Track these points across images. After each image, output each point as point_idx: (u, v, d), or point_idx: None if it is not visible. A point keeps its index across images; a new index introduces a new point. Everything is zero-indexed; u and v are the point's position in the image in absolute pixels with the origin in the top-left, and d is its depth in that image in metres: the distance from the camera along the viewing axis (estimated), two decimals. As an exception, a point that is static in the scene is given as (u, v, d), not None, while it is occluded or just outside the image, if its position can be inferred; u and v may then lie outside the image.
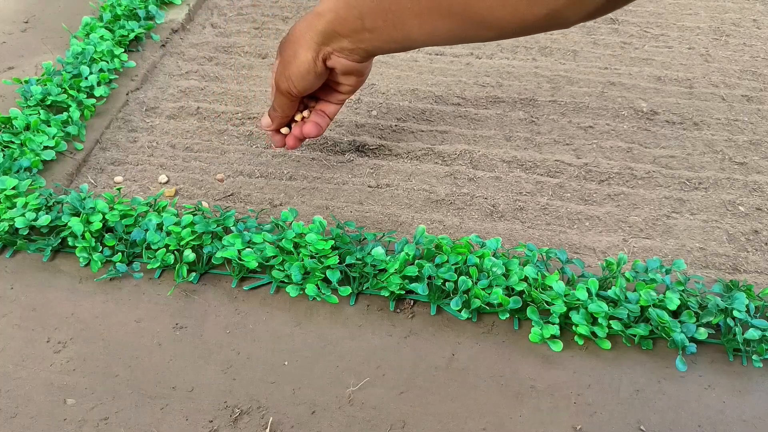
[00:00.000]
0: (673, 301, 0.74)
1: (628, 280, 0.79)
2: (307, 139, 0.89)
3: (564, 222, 0.91)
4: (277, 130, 0.85)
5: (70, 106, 1.07)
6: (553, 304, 0.76)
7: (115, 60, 1.16)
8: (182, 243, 0.83)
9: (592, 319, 0.76)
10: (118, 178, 0.99)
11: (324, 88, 0.78)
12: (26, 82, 1.09)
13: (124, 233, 0.86)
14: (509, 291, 0.78)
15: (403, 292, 0.80)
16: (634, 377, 0.73)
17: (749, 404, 0.71)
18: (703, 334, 0.74)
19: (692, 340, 0.75)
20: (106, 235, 0.86)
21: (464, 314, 0.78)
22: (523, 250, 0.84)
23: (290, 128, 0.86)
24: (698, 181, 0.97)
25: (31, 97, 1.06)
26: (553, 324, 0.76)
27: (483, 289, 0.78)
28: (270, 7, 1.40)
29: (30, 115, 1.04)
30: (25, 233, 0.86)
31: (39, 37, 1.31)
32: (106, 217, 0.86)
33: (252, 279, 0.84)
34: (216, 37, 1.31)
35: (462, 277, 0.78)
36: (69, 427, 0.69)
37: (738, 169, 0.99)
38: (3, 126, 1.02)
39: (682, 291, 0.78)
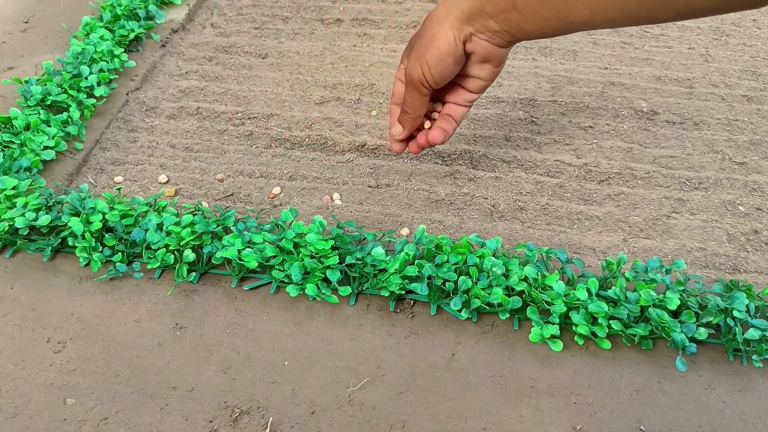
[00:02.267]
0: (673, 301, 0.74)
1: (628, 280, 0.79)
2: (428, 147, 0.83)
3: (564, 222, 0.91)
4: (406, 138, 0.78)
5: (70, 106, 1.07)
6: (553, 304, 0.76)
7: (115, 60, 1.16)
8: (182, 243, 0.83)
9: (592, 319, 0.76)
10: (118, 178, 0.99)
11: (451, 87, 0.74)
12: (26, 82, 1.09)
13: (124, 233, 0.86)
14: (509, 291, 0.78)
15: (403, 292, 0.80)
16: (634, 377, 0.73)
17: (749, 404, 0.71)
18: (703, 334, 0.74)
19: (692, 340, 0.75)
20: (106, 235, 0.86)
21: (464, 314, 0.78)
22: (523, 250, 0.84)
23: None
24: (698, 181, 0.97)
25: (31, 97, 1.06)
26: (553, 324, 0.76)
27: (483, 289, 0.78)
28: (270, 7, 1.40)
29: (30, 115, 1.04)
30: (25, 233, 0.86)
31: (39, 37, 1.31)
32: (106, 217, 0.86)
33: (252, 279, 0.84)
34: (216, 37, 1.31)
35: (462, 277, 0.78)
36: (69, 427, 0.69)
37: (738, 169, 0.99)
38: (3, 126, 1.02)
39: (682, 291, 0.78)
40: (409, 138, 0.81)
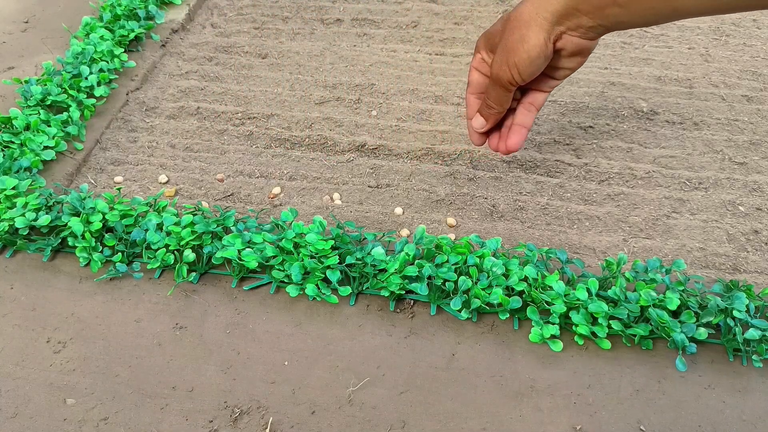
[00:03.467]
0: (673, 301, 0.74)
1: (628, 280, 0.79)
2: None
3: (564, 222, 0.91)
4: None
5: (70, 106, 1.07)
6: (553, 304, 0.76)
7: (115, 60, 1.16)
8: (182, 243, 0.83)
9: (592, 319, 0.76)
10: (118, 178, 0.99)
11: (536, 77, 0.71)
12: (26, 82, 1.09)
13: (124, 233, 0.86)
14: (509, 291, 0.78)
15: (403, 292, 0.80)
16: (634, 377, 0.73)
17: (749, 404, 0.71)
18: (703, 334, 0.74)
19: (692, 340, 0.75)
20: (106, 235, 0.86)
21: (464, 314, 0.78)
22: (523, 250, 0.84)
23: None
24: (698, 181, 0.97)
25: (31, 97, 1.06)
26: (553, 324, 0.76)
27: (483, 289, 0.78)
28: (270, 7, 1.40)
29: (30, 115, 1.04)
30: (25, 233, 0.86)
31: (39, 37, 1.31)
32: (106, 217, 0.86)
33: (252, 279, 0.84)
34: (216, 37, 1.31)
35: (462, 277, 0.78)
36: (69, 427, 0.69)
37: (738, 169, 0.99)
38: (3, 126, 1.02)
39: (682, 291, 0.78)
40: (490, 129, 0.79)
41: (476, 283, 0.78)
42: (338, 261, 0.81)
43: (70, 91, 1.08)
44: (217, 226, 0.85)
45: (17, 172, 0.94)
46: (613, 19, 0.60)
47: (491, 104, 0.72)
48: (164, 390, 0.72)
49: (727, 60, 1.22)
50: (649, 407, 0.71)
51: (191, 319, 0.79)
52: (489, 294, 0.77)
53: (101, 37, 1.20)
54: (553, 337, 0.76)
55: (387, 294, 0.80)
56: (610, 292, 0.77)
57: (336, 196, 0.95)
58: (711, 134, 1.05)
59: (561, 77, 0.71)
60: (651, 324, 0.75)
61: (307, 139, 1.05)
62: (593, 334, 0.75)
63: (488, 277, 0.79)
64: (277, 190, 0.96)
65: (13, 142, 0.99)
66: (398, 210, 0.93)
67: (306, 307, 0.81)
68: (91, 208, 0.86)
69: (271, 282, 0.83)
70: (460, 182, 0.97)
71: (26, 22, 1.36)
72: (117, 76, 1.17)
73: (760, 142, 1.03)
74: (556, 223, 0.91)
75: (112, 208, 0.88)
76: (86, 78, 1.11)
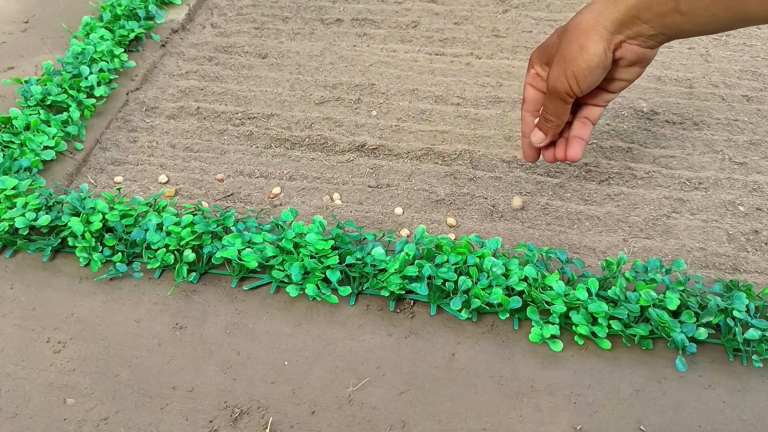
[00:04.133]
0: (673, 301, 0.74)
1: (628, 280, 0.79)
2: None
3: (564, 222, 0.91)
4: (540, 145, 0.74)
5: (70, 106, 1.07)
6: (553, 304, 0.76)
7: (115, 60, 1.16)
8: (182, 243, 0.83)
9: (592, 319, 0.76)
10: (118, 178, 0.99)
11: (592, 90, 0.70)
12: (26, 82, 1.09)
13: (124, 233, 0.86)
14: (509, 291, 0.78)
15: (403, 292, 0.80)
16: (633, 377, 0.73)
17: (749, 404, 0.71)
18: (703, 334, 0.74)
19: (692, 340, 0.75)
20: (106, 235, 0.86)
21: (464, 314, 0.78)
22: (523, 250, 0.84)
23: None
24: (698, 181, 0.97)
25: (31, 97, 1.06)
26: (553, 324, 0.76)
27: (483, 289, 0.78)
28: (270, 7, 1.40)
29: (30, 115, 1.04)
30: (25, 233, 0.86)
31: (39, 37, 1.31)
32: (106, 217, 0.86)
33: (252, 279, 0.84)
34: (216, 37, 1.31)
35: (462, 277, 0.78)
36: (69, 427, 0.69)
37: (738, 169, 0.99)
38: (3, 126, 1.02)
39: (682, 291, 0.78)
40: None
41: (476, 283, 0.78)
42: (338, 261, 0.81)
43: (70, 91, 1.08)
44: (217, 226, 0.85)
45: (17, 172, 0.94)
46: (675, 28, 0.59)
47: (549, 117, 0.71)
48: (164, 390, 0.72)
49: (727, 60, 1.22)
50: (649, 407, 0.71)
51: (191, 319, 0.79)
52: (489, 294, 0.77)
53: (101, 37, 1.20)
54: (553, 337, 0.76)
55: (387, 294, 0.80)
56: (610, 292, 0.77)
57: (336, 196, 0.95)
58: (711, 134, 1.05)
59: (617, 90, 0.70)
60: (651, 324, 0.75)
61: (307, 139, 1.05)
62: (593, 334, 0.75)
63: (488, 277, 0.79)
64: (277, 190, 0.96)
65: (13, 142, 0.99)
66: (398, 210, 0.93)
67: (306, 307, 0.81)
68: (91, 208, 0.86)
69: (271, 282, 0.83)
70: (460, 182, 0.97)
71: (26, 22, 1.36)
72: (117, 76, 1.17)
73: (760, 142, 1.03)
74: (556, 223, 0.91)
75: (112, 208, 0.88)
76: (86, 78, 1.11)
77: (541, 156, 0.75)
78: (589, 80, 0.64)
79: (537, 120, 0.72)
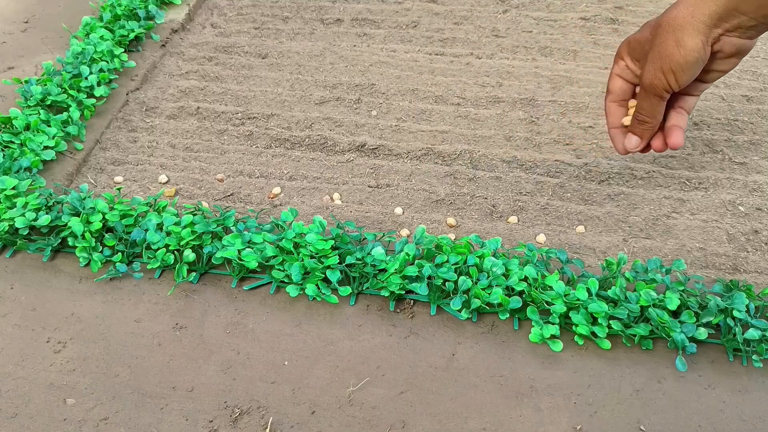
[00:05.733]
0: (673, 301, 0.74)
1: (628, 280, 0.79)
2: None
3: (564, 222, 0.91)
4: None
5: (70, 106, 1.07)
6: (553, 304, 0.76)
7: (115, 60, 1.16)
8: (182, 243, 0.83)
9: (592, 319, 0.76)
10: (118, 178, 0.99)
11: None
12: (26, 82, 1.09)
13: (124, 233, 0.86)
14: (509, 291, 0.78)
15: (403, 292, 0.80)
16: (634, 377, 0.73)
17: (749, 404, 0.71)
18: (703, 334, 0.74)
19: (692, 340, 0.75)
20: (106, 235, 0.86)
21: (464, 314, 0.78)
22: (523, 250, 0.84)
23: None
24: (698, 181, 0.97)
25: (31, 97, 1.06)
26: (553, 324, 0.76)
27: (483, 289, 0.78)
28: (270, 7, 1.40)
29: (30, 115, 1.04)
30: (25, 233, 0.86)
31: (39, 37, 1.31)
32: (106, 217, 0.86)
33: (252, 279, 0.84)
34: (216, 37, 1.31)
35: (462, 277, 0.78)
36: (69, 427, 0.69)
37: (738, 169, 0.99)
38: (3, 126, 1.02)
39: (682, 291, 0.78)
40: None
41: (476, 283, 0.78)
42: (338, 261, 0.81)
43: (70, 91, 1.08)
44: (217, 226, 0.85)
45: (17, 172, 0.94)
46: None
47: (644, 119, 0.69)
48: (164, 390, 0.72)
49: (727, 60, 1.22)
50: (649, 407, 0.71)
51: (191, 319, 0.79)
52: (489, 294, 0.77)
53: (101, 37, 1.20)
54: (553, 337, 0.76)
55: (387, 294, 0.80)
56: (610, 292, 0.77)
57: (336, 196, 0.95)
58: (711, 134, 1.05)
59: (712, 80, 0.69)
60: (651, 324, 0.75)
61: (307, 139, 1.05)
62: (593, 334, 0.75)
63: (488, 277, 0.79)
64: (277, 190, 0.96)
65: (13, 142, 0.99)
66: (398, 210, 0.93)
67: (306, 307, 0.81)
68: (91, 208, 0.86)
69: (271, 282, 0.83)
70: (460, 182, 0.97)
71: (26, 22, 1.36)
72: (117, 76, 1.17)
73: (760, 142, 1.03)
74: (556, 223, 0.91)
75: (112, 208, 0.88)
76: (86, 78, 1.11)
77: (628, 146, 0.72)
78: (688, 75, 0.63)
79: (629, 124, 0.70)
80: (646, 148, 0.72)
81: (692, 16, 0.60)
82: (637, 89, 0.69)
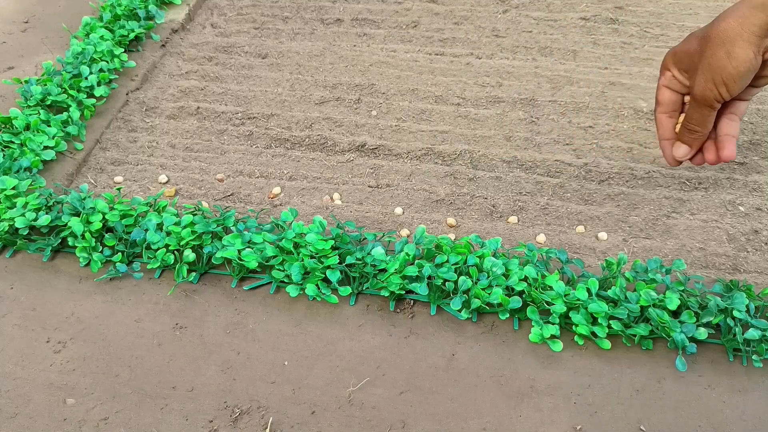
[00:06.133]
0: (673, 301, 0.74)
1: (628, 280, 0.79)
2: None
3: (564, 222, 0.91)
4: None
5: (70, 106, 1.07)
6: (553, 304, 0.76)
7: (115, 60, 1.16)
8: (182, 243, 0.83)
9: (592, 319, 0.76)
10: (118, 178, 0.99)
11: None
12: (26, 82, 1.09)
13: (124, 233, 0.86)
14: (509, 291, 0.78)
15: (403, 292, 0.80)
16: (634, 377, 0.73)
17: (749, 404, 0.71)
18: (703, 334, 0.74)
19: (692, 340, 0.75)
20: (106, 235, 0.86)
21: (464, 314, 0.78)
22: (523, 250, 0.84)
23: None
24: (698, 181, 0.97)
25: (31, 97, 1.06)
26: (553, 324, 0.76)
27: (483, 289, 0.78)
28: (270, 7, 1.40)
29: (30, 115, 1.04)
30: (25, 233, 0.86)
31: (39, 37, 1.31)
32: (106, 217, 0.86)
33: (252, 279, 0.84)
34: (216, 37, 1.31)
35: (462, 277, 0.78)
36: (69, 427, 0.69)
37: (738, 169, 0.99)
38: (3, 126, 1.02)
39: (682, 291, 0.78)
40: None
41: (476, 283, 0.78)
42: (338, 261, 0.81)
43: (70, 91, 1.08)
44: (217, 226, 0.85)
45: (17, 172, 0.94)
46: None
47: (694, 128, 0.70)
48: (164, 390, 0.72)
49: (727, 60, 1.22)
50: (649, 407, 0.71)
51: (191, 319, 0.79)
52: (489, 294, 0.77)
53: (101, 37, 1.20)
54: (553, 337, 0.76)
55: (387, 294, 0.80)
56: (610, 292, 0.77)
57: (336, 196, 0.95)
58: (711, 134, 1.05)
59: (762, 85, 0.69)
60: (651, 324, 0.75)
61: (307, 139, 1.05)
62: (593, 334, 0.75)
63: (488, 277, 0.79)
64: (277, 190, 0.96)
65: (13, 142, 0.99)
66: (398, 210, 0.93)
67: (306, 307, 0.81)
68: (91, 208, 0.86)
69: (271, 282, 0.83)
70: (460, 182, 0.97)
71: (26, 22, 1.36)
72: (117, 76, 1.17)
73: (760, 142, 1.03)
74: (556, 223, 0.91)
75: (112, 208, 0.88)
76: (86, 78, 1.11)
77: (680, 158, 0.72)
78: (739, 85, 0.64)
79: (679, 133, 0.70)
80: (697, 158, 0.72)
81: (742, 28, 0.61)
82: (686, 99, 0.70)
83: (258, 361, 0.75)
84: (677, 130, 0.71)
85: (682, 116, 0.72)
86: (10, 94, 1.14)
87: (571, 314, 0.75)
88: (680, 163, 0.72)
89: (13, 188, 0.89)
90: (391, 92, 1.14)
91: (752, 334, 0.73)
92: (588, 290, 0.77)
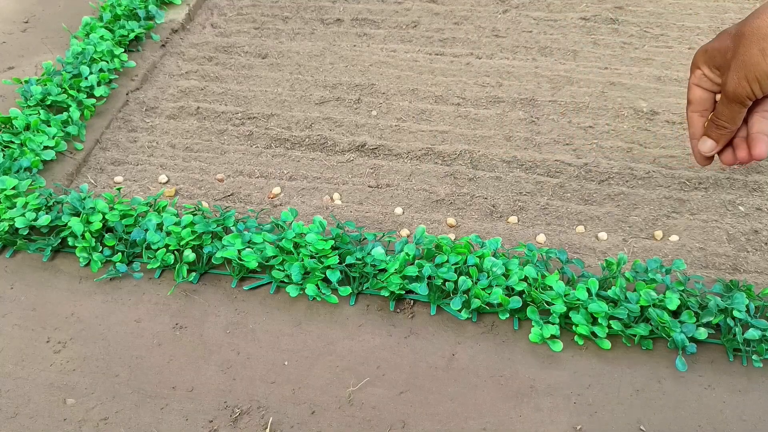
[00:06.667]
0: (673, 301, 0.74)
1: (628, 280, 0.79)
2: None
3: (564, 222, 0.91)
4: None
5: (70, 106, 1.07)
6: (553, 304, 0.76)
7: (115, 60, 1.16)
8: (182, 243, 0.83)
9: (592, 319, 0.76)
10: (118, 178, 0.99)
11: None
12: (26, 82, 1.09)
13: (124, 233, 0.86)
14: (509, 291, 0.78)
15: (403, 292, 0.80)
16: (634, 377, 0.73)
17: (749, 404, 0.71)
18: (703, 334, 0.74)
19: (692, 340, 0.75)
20: (106, 235, 0.86)
21: (464, 314, 0.78)
22: (523, 250, 0.84)
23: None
24: (698, 181, 0.97)
25: (31, 97, 1.06)
26: (553, 324, 0.76)
27: (483, 289, 0.78)
28: (270, 7, 1.40)
29: (30, 115, 1.04)
30: (25, 233, 0.86)
31: (39, 37, 1.31)
32: (106, 217, 0.86)
33: (252, 279, 0.84)
34: (216, 37, 1.31)
35: (462, 277, 0.78)
36: (69, 427, 0.69)
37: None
38: (3, 126, 1.02)
39: (682, 291, 0.78)
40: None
41: (476, 283, 0.78)
42: (338, 261, 0.81)
43: (70, 91, 1.08)
44: (217, 226, 0.85)
45: (17, 172, 0.94)
46: None
47: (723, 124, 0.70)
48: (164, 390, 0.72)
49: (727, 60, 1.22)
50: (649, 407, 0.71)
51: (191, 319, 0.79)
52: (489, 294, 0.77)
53: (101, 37, 1.20)
54: (553, 337, 0.76)
55: (387, 294, 0.80)
56: (610, 292, 0.77)
57: (336, 196, 0.95)
58: (711, 134, 1.05)
59: None
60: (651, 324, 0.75)
61: (307, 139, 1.05)
62: (593, 334, 0.75)
63: (488, 277, 0.79)
64: (277, 190, 0.96)
65: (13, 142, 0.99)
66: (398, 210, 0.93)
67: (306, 307, 0.81)
68: (91, 208, 0.86)
69: (271, 282, 0.83)
70: (460, 182, 0.97)
71: (26, 22, 1.36)
72: (117, 76, 1.17)
73: (760, 142, 1.03)
74: (556, 223, 0.91)
75: (112, 208, 0.88)
76: (86, 78, 1.11)
77: (713, 157, 0.72)
78: None
79: (706, 128, 0.70)
80: (728, 156, 0.72)
81: None
82: (717, 97, 0.70)
83: (258, 361, 0.75)
84: (705, 125, 0.71)
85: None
86: (10, 94, 1.15)
87: (571, 314, 0.75)
88: (710, 161, 0.72)
89: (13, 188, 0.89)
90: (391, 92, 1.14)
91: (752, 334, 0.73)
92: (588, 290, 0.77)
